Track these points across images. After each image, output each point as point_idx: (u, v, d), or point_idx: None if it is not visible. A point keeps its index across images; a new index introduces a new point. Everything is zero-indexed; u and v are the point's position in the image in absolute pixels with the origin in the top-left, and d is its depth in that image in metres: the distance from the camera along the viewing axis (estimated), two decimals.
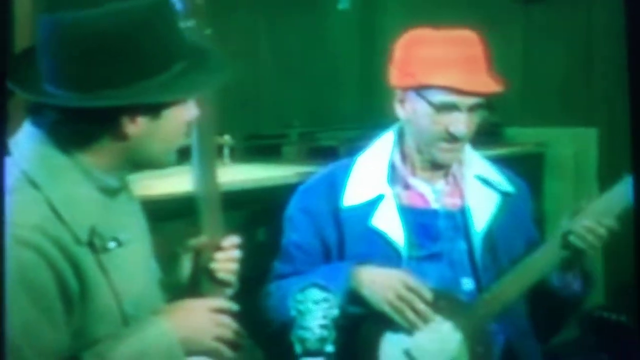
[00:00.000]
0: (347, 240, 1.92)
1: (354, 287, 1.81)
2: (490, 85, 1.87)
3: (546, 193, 3.06)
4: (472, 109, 1.88)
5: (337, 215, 1.93)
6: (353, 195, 1.94)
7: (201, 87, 1.47)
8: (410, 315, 1.80)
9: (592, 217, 1.82)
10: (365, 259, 1.88)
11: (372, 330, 1.83)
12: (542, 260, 1.86)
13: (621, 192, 1.81)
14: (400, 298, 1.80)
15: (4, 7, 1.26)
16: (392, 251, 1.89)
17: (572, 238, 1.83)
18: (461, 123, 1.86)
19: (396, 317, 1.80)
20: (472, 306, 1.85)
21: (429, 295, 1.81)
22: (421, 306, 1.80)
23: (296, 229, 1.97)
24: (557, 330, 2.05)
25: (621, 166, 1.89)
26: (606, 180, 2.18)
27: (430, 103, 1.87)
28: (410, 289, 1.80)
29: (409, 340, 1.82)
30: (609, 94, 3.06)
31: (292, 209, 2.00)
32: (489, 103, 1.90)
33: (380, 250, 1.89)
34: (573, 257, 1.86)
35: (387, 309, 1.80)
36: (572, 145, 3.14)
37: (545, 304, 1.92)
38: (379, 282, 1.81)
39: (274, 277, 1.97)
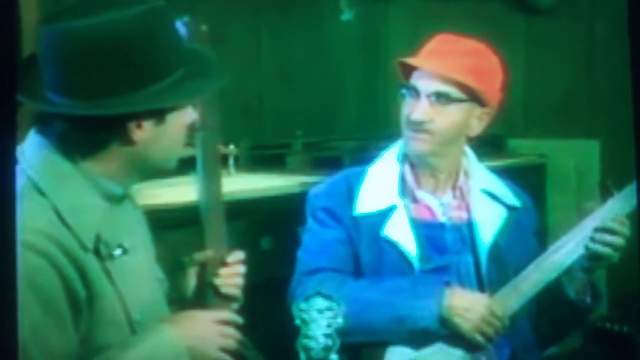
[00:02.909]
0: (360, 247, 1.93)
1: (446, 313, 1.82)
2: (455, 72, 1.86)
3: (548, 205, 3.06)
4: (436, 96, 1.87)
5: (354, 221, 1.94)
6: (366, 203, 1.94)
7: (202, 92, 1.49)
8: (489, 337, 1.83)
9: (611, 221, 1.81)
10: (377, 268, 1.89)
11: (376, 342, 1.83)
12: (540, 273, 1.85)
13: (628, 196, 1.82)
14: (488, 324, 1.82)
15: (11, 18, 1.28)
16: (405, 262, 1.90)
17: (593, 244, 1.82)
18: (418, 109, 1.88)
19: (478, 340, 1.83)
20: None
21: (506, 322, 1.84)
22: (499, 332, 1.83)
23: (328, 226, 1.95)
24: (558, 341, 2.06)
25: (623, 177, 1.90)
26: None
27: (401, 91, 1.91)
28: (495, 317, 1.83)
29: (412, 352, 1.83)
30: (611, 105, 3.07)
31: (315, 208, 1.97)
32: (473, 96, 1.89)
33: (392, 261, 1.90)
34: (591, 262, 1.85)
35: (477, 337, 1.83)
36: (574, 156, 3.15)
37: (558, 313, 1.93)
38: (470, 311, 1.82)
39: (313, 271, 1.90)
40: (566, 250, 1.84)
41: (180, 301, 1.63)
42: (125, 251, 1.45)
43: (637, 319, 2.62)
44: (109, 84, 1.37)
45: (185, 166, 1.60)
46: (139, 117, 1.41)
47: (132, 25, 1.37)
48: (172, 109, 1.44)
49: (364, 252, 1.92)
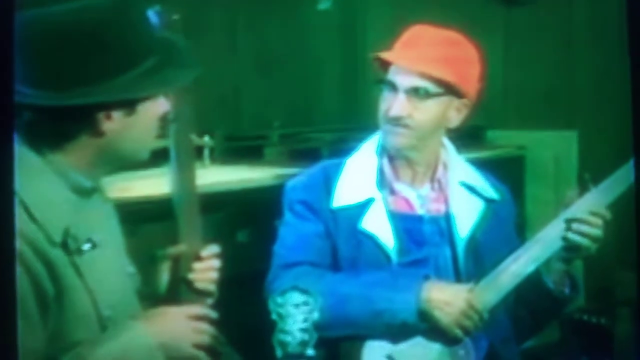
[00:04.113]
0: (337, 241, 1.91)
1: (425, 307, 1.80)
2: (430, 67, 1.85)
3: (527, 196, 3.08)
4: (413, 91, 1.87)
5: (331, 214, 1.92)
6: (343, 196, 1.93)
7: (174, 82, 1.47)
8: (468, 331, 1.82)
9: (587, 213, 1.81)
10: (354, 261, 1.88)
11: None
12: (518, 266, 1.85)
13: (605, 190, 1.81)
14: (467, 317, 1.81)
15: (8, 11, 1.25)
16: (382, 255, 1.89)
17: (570, 235, 1.82)
18: (395, 104, 1.87)
19: (457, 333, 1.82)
20: None
21: (485, 315, 1.83)
22: (478, 325, 1.82)
23: (306, 219, 1.93)
24: (537, 331, 2.07)
25: (601, 169, 1.90)
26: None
27: (379, 84, 1.89)
28: (474, 310, 1.82)
29: (391, 346, 1.82)
30: (590, 96, 3.07)
31: (293, 201, 1.95)
32: (450, 89, 1.87)
33: (370, 254, 1.89)
34: (570, 253, 1.85)
35: (456, 331, 1.81)
36: (553, 148, 3.15)
37: (537, 303, 1.92)
38: (449, 304, 1.81)
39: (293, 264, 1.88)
40: (545, 243, 1.85)
41: (153, 296, 1.60)
42: (94, 245, 1.42)
43: (614, 312, 2.64)
44: (79, 73, 1.35)
45: (159, 158, 1.58)
46: (108, 107, 1.38)
47: (102, 11, 1.35)
48: (144, 99, 1.42)
49: (342, 245, 1.91)
